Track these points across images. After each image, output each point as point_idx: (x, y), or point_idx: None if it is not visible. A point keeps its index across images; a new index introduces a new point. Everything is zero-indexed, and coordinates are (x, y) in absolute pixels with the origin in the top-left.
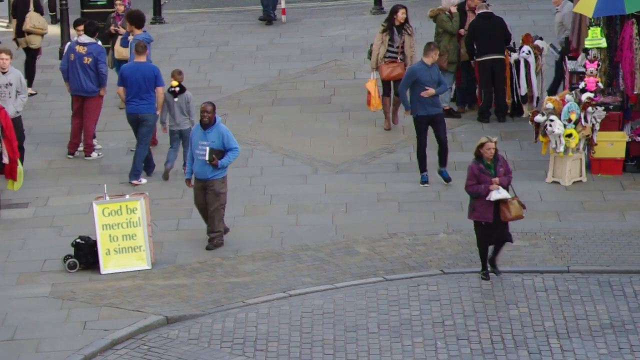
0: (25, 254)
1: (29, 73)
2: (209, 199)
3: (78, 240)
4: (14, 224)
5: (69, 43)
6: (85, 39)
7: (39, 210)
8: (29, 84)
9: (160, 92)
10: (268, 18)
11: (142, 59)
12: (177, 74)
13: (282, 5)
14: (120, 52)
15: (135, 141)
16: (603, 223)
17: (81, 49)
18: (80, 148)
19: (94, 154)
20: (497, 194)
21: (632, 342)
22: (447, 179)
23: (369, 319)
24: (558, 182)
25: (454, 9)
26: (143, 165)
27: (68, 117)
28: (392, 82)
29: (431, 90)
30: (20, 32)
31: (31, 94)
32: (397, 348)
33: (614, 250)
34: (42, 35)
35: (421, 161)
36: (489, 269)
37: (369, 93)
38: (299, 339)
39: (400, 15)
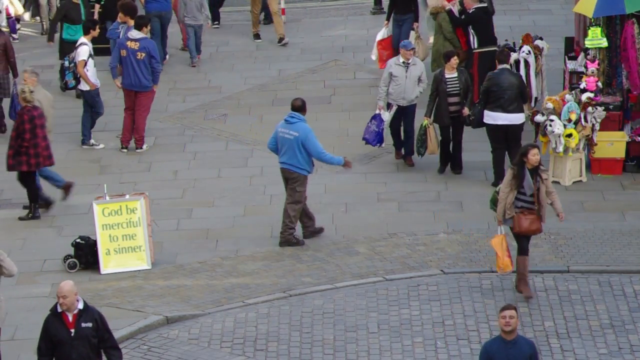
0: (25, 254)
1: None
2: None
3: (78, 240)
4: (14, 224)
5: (117, 40)
6: (136, 34)
7: (39, 210)
8: None
9: None
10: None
11: None
12: None
13: (282, 5)
14: None
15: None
16: (603, 223)
17: (133, 45)
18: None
19: (145, 147)
20: None
21: (632, 342)
22: None
23: (369, 319)
24: (558, 182)
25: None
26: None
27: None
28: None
29: None
30: None
31: None
32: (397, 348)
33: (614, 250)
34: None
35: None
36: None
37: (497, 253)
38: (299, 339)
39: (532, 157)
